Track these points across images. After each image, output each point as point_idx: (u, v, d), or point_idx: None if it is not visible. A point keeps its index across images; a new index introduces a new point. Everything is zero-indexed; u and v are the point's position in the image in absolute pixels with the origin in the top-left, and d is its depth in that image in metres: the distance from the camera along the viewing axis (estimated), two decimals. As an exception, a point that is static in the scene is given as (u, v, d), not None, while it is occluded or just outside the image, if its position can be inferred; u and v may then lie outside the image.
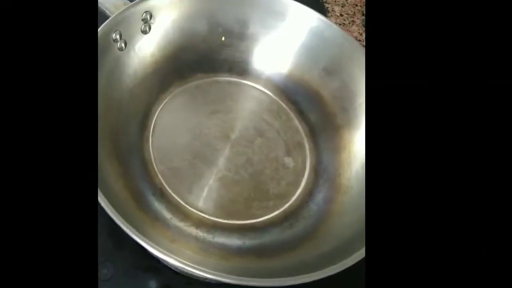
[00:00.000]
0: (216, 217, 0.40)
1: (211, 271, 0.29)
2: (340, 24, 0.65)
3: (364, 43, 0.61)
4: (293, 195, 0.44)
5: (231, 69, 0.51)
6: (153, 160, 0.42)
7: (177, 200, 0.41)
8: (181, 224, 0.39)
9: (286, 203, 0.43)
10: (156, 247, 0.28)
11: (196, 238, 0.39)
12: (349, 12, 0.67)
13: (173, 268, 0.37)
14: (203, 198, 0.41)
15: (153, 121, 0.45)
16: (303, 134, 0.48)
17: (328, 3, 0.68)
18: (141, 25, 0.43)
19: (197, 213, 0.40)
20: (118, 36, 0.41)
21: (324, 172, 0.45)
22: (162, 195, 0.41)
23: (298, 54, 0.49)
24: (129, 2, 0.42)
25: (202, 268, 0.29)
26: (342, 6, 0.68)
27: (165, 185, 0.41)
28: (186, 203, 0.41)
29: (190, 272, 0.29)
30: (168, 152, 0.43)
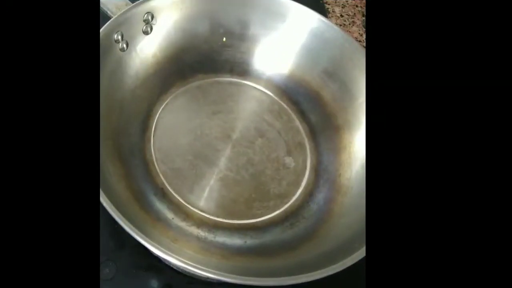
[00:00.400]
0: (217, 217, 0.41)
1: (212, 271, 0.29)
2: (340, 25, 0.65)
3: (364, 44, 0.61)
4: (293, 195, 0.44)
5: (232, 70, 0.51)
6: (154, 161, 0.43)
7: (178, 200, 0.41)
8: (183, 224, 0.39)
9: (286, 203, 0.43)
10: (158, 246, 0.28)
11: (198, 238, 0.39)
12: (350, 13, 0.68)
13: (174, 268, 0.37)
14: (204, 198, 0.41)
15: (155, 121, 0.45)
16: (303, 135, 0.48)
17: (329, 4, 0.68)
18: (142, 26, 0.43)
19: (198, 213, 0.40)
20: (120, 37, 0.41)
21: (325, 172, 0.45)
22: (163, 195, 0.41)
23: (299, 54, 0.49)
24: (131, 3, 0.42)
25: (204, 268, 0.29)
26: (342, 7, 0.68)
27: (166, 185, 0.41)
28: (188, 203, 0.41)
29: (192, 272, 0.29)
30: (170, 152, 0.43)
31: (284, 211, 0.42)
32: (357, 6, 0.69)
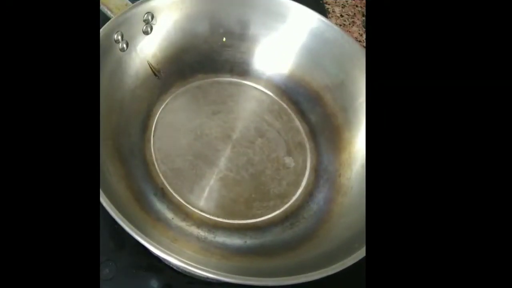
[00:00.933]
0: (217, 217, 0.41)
1: (212, 271, 0.29)
2: (340, 25, 0.65)
3: (364, 44, 0.61)
4: (293, 195, 0.44)
5: (232, 70, 0.51)
6: (154, 161, 0.43)
7: (178, 200, 0.41)
8: (183, 224, 0.39)
9: (286, 203, 0.43)
10: (158, 246, 0.28)
11: (198, 238, 0.39)
12: (350, 13, 0.68)
13: (174, 268, 0.37)
14: (204, 198, 0.41)
15: (155, 121, 0.45)
16: (303, 135, 0.48)
17: (329, 4, 0.68)
18: (142, 26, 0.43)
19: (198, 213, 0.40)
20: (119, 37, 0.41)
21: (325, 172, 0.45)
22: (163, 195, 0.41)
23: (299, 55, 0.49)
24: (131, 3, 0.42)
25: (203, 268, 0.29)
26: (342, 7, 0.68)
27: (166, 185, 0.41)
28: (188, 203, 0.41)
29: (192, 272, 0.29)
30: (170, 152, 0.43)
31: (284, 211, 0.42)
32: (357, 6, 0.69)
